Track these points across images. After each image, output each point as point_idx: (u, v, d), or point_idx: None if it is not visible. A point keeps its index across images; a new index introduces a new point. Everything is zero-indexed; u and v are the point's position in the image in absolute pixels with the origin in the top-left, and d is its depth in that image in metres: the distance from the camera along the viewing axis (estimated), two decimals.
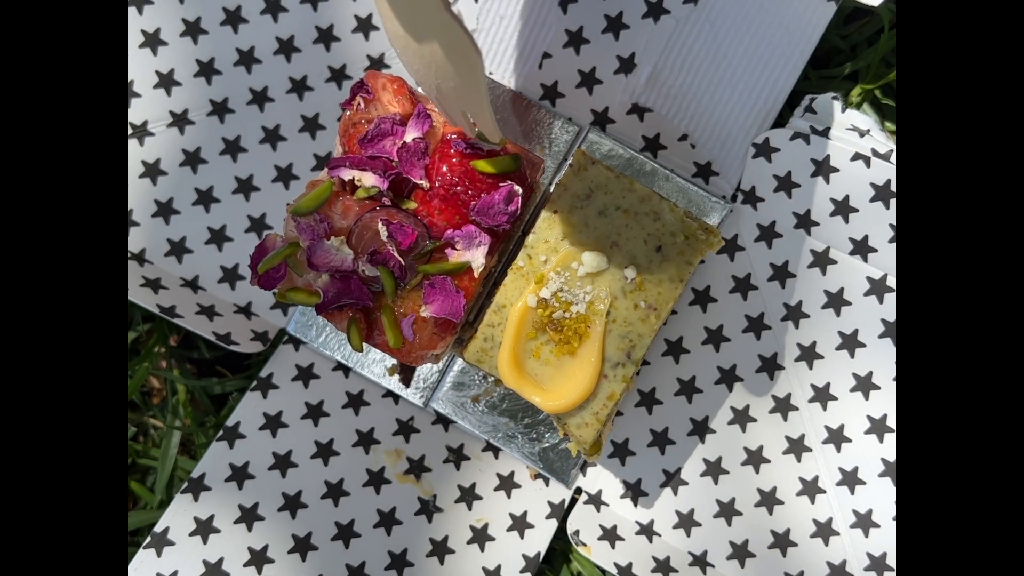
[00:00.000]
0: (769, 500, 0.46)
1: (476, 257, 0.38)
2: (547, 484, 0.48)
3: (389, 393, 0.49)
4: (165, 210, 0.49)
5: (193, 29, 0.48)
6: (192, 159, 0.49)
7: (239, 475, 0.47)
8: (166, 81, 0.48)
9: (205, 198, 0.49)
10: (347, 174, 0.38)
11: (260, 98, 0.49)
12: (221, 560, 0.46)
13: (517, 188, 0.37)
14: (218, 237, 0.49)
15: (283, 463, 0.47)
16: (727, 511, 0.47)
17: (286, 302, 0.38)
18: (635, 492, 0.47)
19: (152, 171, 0.49)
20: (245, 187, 0.49)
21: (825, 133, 0.44)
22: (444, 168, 0.38)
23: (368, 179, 0.38)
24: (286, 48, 0.49)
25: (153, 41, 0.48)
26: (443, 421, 0.49)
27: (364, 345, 0.48)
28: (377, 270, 0.37)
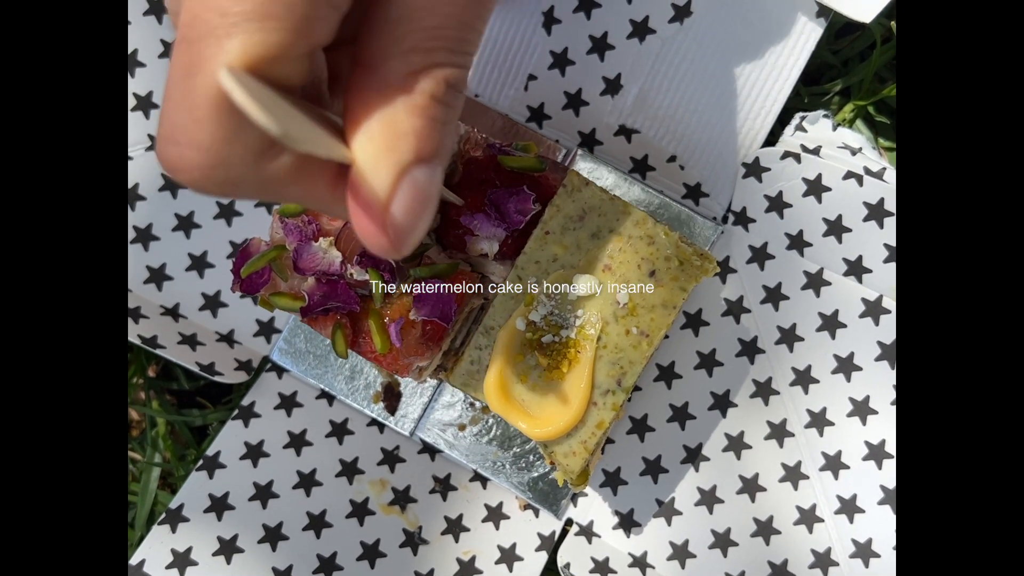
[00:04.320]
0: (766, 530, 0.45)
1: (493, 246, 0.37)
2: (537, 515, 0.47)
3: (374, 422, 0.47)
4: (144, 236, 0.48)
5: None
6: (172, 184, 0.48)
7: (218, 505, 0.45)
8: (144, 104, 0.48)
9: (185, 223, 0.48)
10: None
11: None
12: None
13: (530, 193, 0.37)
14: (199, 263, 0.48)
15: (264, 493, 0.46)
16: (723, 541, 0.45)
17: (269, 308, 0.37)
18: (627, 523, 0.46)
19: (131, 196, 0.48)
20: (227, 212, 0.48)
21: (817, 152, 0.43)
22: (474, 155, 0.37)
23: None
24: None
25: (131, 63, 0.47)
26: (429, 450, 0.47)
27: (350, 371, 0.47)
28: (366, 273, 0.36)
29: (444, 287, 0.36)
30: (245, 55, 0.20)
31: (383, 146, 0.23)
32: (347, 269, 0.36)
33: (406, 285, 0.36)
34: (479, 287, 0.38)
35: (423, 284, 0.36)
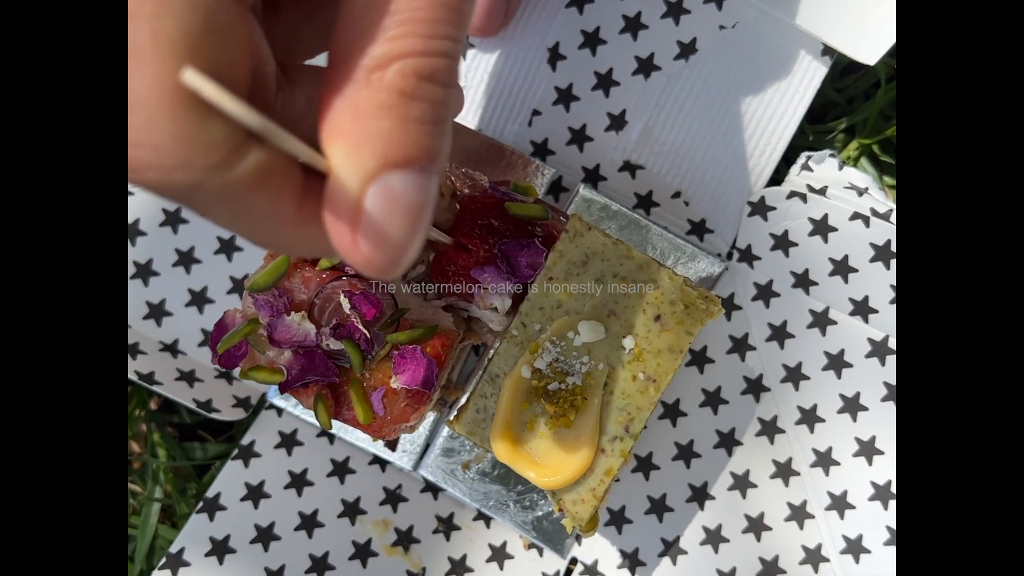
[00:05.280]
0: (771, 570, 0.45)
1: (505, 301, 0.36)
2: (541, 554, 0.46)
3: (376, 460, 0.47)
4: (144, 272, 0.47)
5: None
6: (172, 219, 0.47)
7: (219, 549, 0.45)
8: None
9: (186, 259, 0.48)
10: None
11: None
12: None
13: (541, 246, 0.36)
14: (199, 299, 0.48)
15: (265, 535, 0.45)
16: None
17: (249, 380, 0.36)
18: (633, 562, 0.46)
19: (131, 232, 0.47)
20: (227, 247, 0.48)
21: (823, 192, 0.43)
22: (476, 199, 0.36)
23: None
24: None
25: None
26: (432, 489, 0.47)
27: None
28: (342, 343, 0.35)
29: (423, 353, 0.35)
30: (183, 32, 0.19)
31: (347, 152, 0.20)
32: (323, 340, 0.35)
33: (384, 351, 0.36)
34: (463, 336, 0.38)
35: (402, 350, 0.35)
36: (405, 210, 0.21)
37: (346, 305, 0.35)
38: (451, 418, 0.39)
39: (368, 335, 0.35)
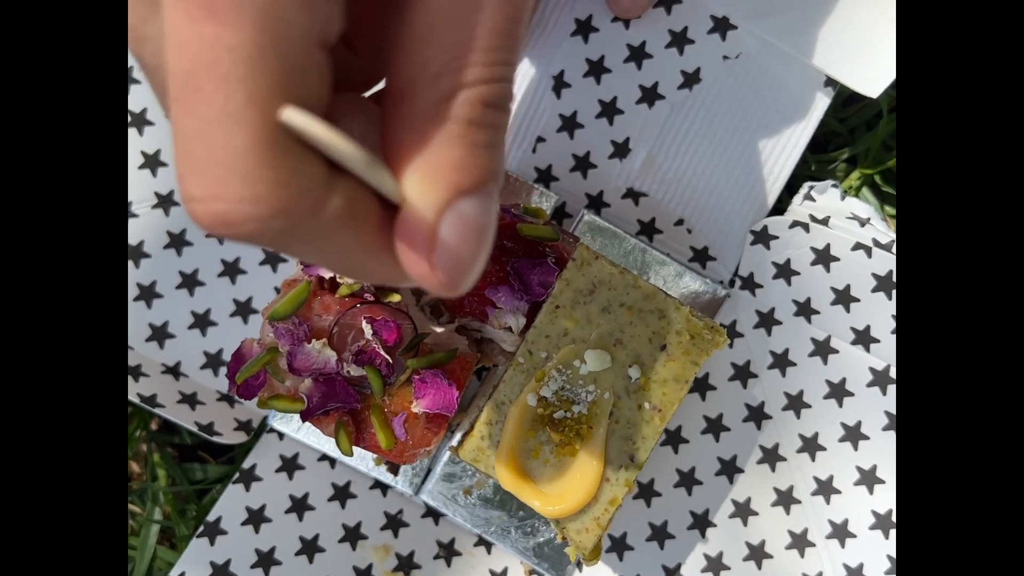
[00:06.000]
0: None
1: (519, 320, 0.37)
2: None
3: (377, 484, 0.47)
4: (147, 294, 0.47)
5: None
6: (177, 241, 0.48)
7: (220, 573, 0.44)
8: (152, 161, 0.47)
9: (189, 281, 0.48)
10: (326, 271, 0.37)
11: None
12: None
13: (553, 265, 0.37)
14: (202, 321, 0.48)
15: (266, 561, 0.45)
16: None
17: (268, 410, 0.36)
18: None
19: (135, 254, 0.47)
20: (231, 270, 0.48)
21: (825, 222, 0.43)
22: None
23: None
24: None
25: (139, 121, 0.47)
26: (433, 514, 0.47)
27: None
28: (363, 370, 0.35)
29: (443, 377, 0.36)
30: (277, 87, 0.19)
31: (422, 184, 0.21)
32: (343, 367, 0.35)
33: (404, 376, 0.36)
34: (478, 355, 0.38)
35: (422, 374, 0.36)
36: (476, 233, 0.21)
37: (368, 331, 0.35)
38: (454, 443, 0.39)
39: (389, 361, 0.35)
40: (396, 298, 0.37)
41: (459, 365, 0.37)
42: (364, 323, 0.35)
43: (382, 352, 0.35)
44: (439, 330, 0.38)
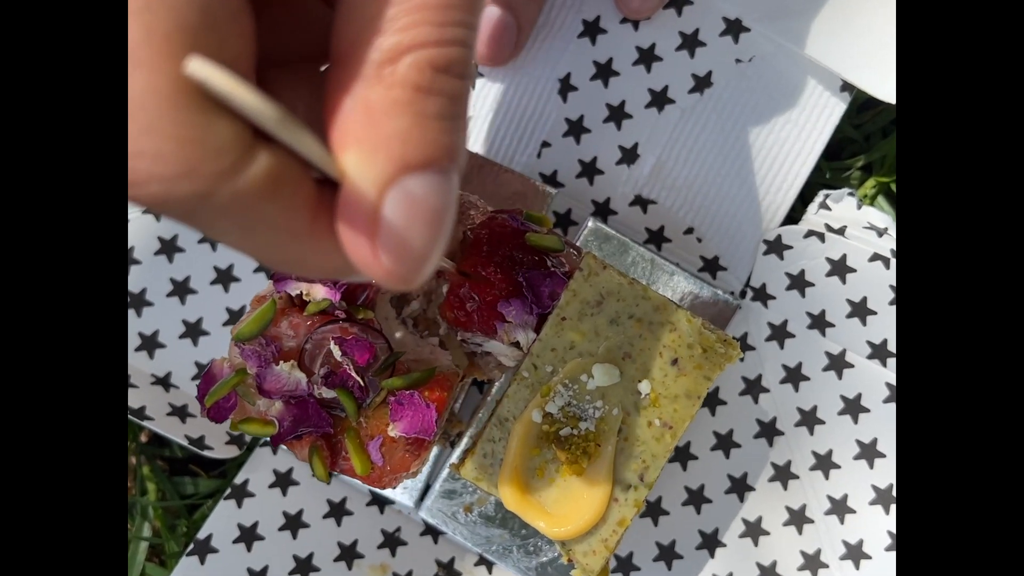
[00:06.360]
0: None
1: (529, 335, 0.35)
2: None
3: (374, 500, 0.45)
4: (137, 302, 0.46)
5: None
6: (168, 247, 0.46)
7: None
8: None
9: (181, 289, 0.46)
10: (294, 288, 0.34)
11: None
12: None
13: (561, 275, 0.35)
14: (193, 330, 0.46)
15: None
16: None
17: (239, 433, 0.34)
18: None
19: None
20: (224, 277, 0.46)
21: (841, 231, 0.42)
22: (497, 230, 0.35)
23: (318, 291, 0.34)
24: None
25: None
26: (432, 532, 0.45)
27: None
28: (335, 392, 0.33)
29: (421, 398, 0.34)
30: (179, 26, 0.17)
31: (361, 155, 0.18)
32: (315, 389, 0.33)
33: (380, 397, 0.34)
34: (463, 373, 0.36)
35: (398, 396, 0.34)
36: (426, 216, 0.19)
37: (337, 352, 0.33)
38: (455, 459, 0.37)
39: (362, 382, 0.33)
40: (369, 314, 0.35)
41: (439, 384, 0.35)
42: (333, 344, 0.33)
43: (354, 374, 0.33)
44: (420, 347, 0.36)
